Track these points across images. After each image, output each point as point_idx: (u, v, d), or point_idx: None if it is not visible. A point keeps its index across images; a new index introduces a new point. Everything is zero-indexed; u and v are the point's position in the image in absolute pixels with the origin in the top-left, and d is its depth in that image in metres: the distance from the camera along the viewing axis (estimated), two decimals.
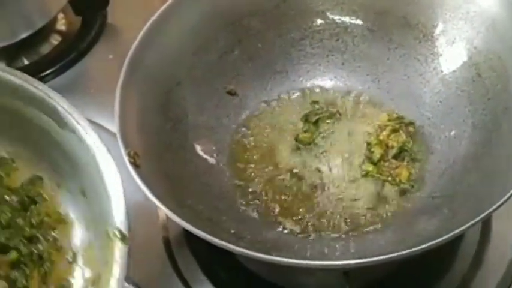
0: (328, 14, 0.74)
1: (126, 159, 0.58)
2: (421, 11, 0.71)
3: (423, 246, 0.52)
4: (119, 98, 0.62)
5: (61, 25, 0.90)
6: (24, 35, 0.83)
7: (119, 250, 0.55)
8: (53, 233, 0.64)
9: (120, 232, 0.55)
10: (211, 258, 0.67)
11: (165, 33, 0.69)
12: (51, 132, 0.62)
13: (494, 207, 0.54)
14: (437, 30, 0.70)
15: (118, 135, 0.59)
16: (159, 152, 0.64)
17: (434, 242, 0.52)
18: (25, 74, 0.64)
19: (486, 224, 0.68)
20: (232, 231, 0.59)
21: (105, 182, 0.57)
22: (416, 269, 0.65)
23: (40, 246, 0.63)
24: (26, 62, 0.87)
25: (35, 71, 0.85)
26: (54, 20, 0.88)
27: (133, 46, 0.66)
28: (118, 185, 0.56)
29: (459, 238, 0.66)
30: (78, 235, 0.64)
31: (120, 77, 0.64)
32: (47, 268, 0.62)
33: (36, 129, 0.64)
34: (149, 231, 0.69)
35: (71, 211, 0.65)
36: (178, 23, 0.70)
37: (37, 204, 0.65)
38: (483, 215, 0.54)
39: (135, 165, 0.58)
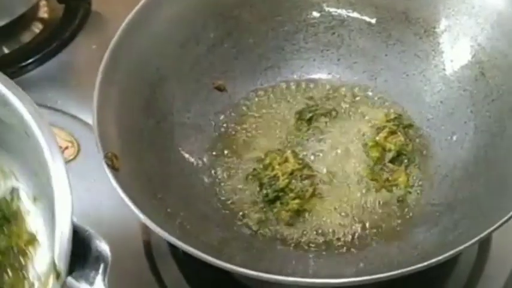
0: (324, 6, 0.71)
1: (103, 161, 0.54)
2: (423, 5, 0.68)
3: (418, 265, 0.49)
4: (97, 95, 0.58)
5: (43, 12, 0.88)
6: (3, 22, 0.80)
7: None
8: (21, 259, 0.59)
9: (55, 266, 0.45)
10: (193, 263, 0.63)
11: (150, 24, 0.66)
12: (22, 135, 0.58)
13: (496, 225, 0.50)
14: (440, 26, 0.67)
15: (96, 136, 0.56)
16: (141, 152, 0.60)
17: (427, 262, 0.49)
18: None
19: None
20: (215, 243, 0.56)
21: (54, 196, 0.47)
22: (414, 279, 0.61)
23: (5, 277, 0.57)
24: (5, 50, 0.85)
25: (14, 60, 0.82)
26: (35, 7, 0.86)
27: (115, 38, 0.62)
28: (67, 202, 0.45)
29: None
30: (43, 257, 0.58)
31: (99, 72, 0.60)
32: None
33: (11, 133, 0.59)
34: (129, 234, 0.66)
35: (41, 229, 0.58)
36: (164, 12, 0.67)
37: (10, 223, 0.60)
38: (483, 234, 0.50)
39: (113, 168, 0.55)
